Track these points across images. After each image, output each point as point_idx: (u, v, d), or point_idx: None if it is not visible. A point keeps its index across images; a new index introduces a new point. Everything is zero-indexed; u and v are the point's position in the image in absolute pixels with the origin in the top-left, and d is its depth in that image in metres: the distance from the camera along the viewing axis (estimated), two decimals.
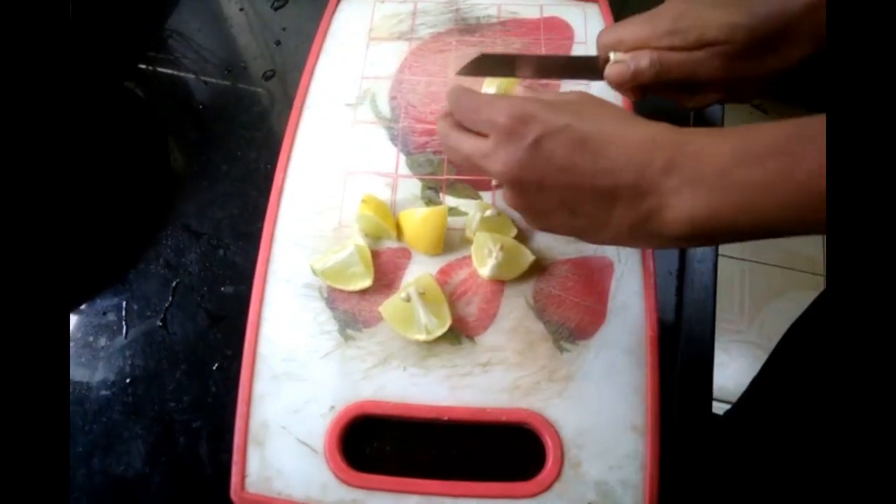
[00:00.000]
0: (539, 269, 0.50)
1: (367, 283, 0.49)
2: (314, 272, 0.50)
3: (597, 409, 0.46)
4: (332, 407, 0.46)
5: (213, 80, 0.65)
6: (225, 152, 0.59)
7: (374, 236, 0.52)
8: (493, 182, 0.54)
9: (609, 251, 0.51)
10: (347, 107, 0.59)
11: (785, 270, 1.47)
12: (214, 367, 0.49)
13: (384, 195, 0.54)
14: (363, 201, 0.51)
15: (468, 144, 0.40)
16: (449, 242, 0.52)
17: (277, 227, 0.53)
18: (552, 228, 0.41)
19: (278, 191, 0.55)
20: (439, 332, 0.46)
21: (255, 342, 0.48)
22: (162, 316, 0.51)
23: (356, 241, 0.50)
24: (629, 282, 0.50)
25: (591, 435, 0.45)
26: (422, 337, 0.46)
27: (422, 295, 0.46)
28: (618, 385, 0.46)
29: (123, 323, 0.51)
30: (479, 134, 0.39)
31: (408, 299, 0.46)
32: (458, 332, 0.48)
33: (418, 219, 0.50)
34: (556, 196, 0.37)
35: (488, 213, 0.51)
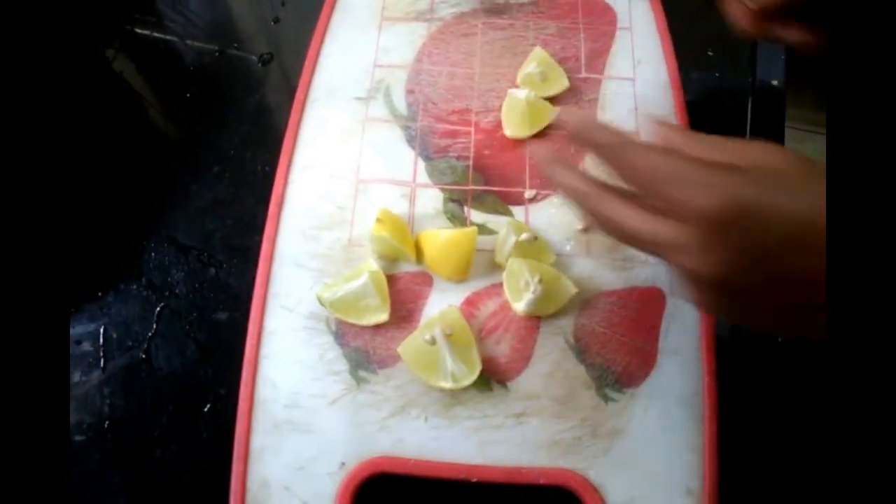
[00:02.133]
0: (580, 301, 0.44)
1: (382, 317, 0.42)
2: (321, 303, 0.43)
3: (647, 471, 0.40)
4: (343, 464, 0.39)
5: (203, 63, 0.56)
6: (216, 151, 0.52)
7: (389, 259, 0.45)
8: (527, 194, 0.47)
9: (661, 280, 0.45)
10: (358, 101, 0.51)
11: None
12: (206, 409, 0.43)
13: (400, 208, 0.47)
14: (378, 220, 0.43)
15: (648, 226, 0.30)
16: (475, 266, 0.45)
17: (278, 244, 0.46)
18: (759, 323, 0.33)
19: (279, 200, 0.47)
20: (467, 382, 0.40)
21: (253, 384, 0.42)
22: (145, 346, 0.45)
23: (370, 265, 0.43)
24: (683, 318, 0.44)
25: (642, 500, 0.39)
26: (447, 385, 0.40)
27: (448, 337, 0.40)
28: (671, 442, 0.40)
29: (101, 354, 0.44)
30: (652, 206, 0.30)
31: (433, 342, 0.39)
32: (488, 377, 0.42)
33: (442, 241, 0.43)
34: (779, 298, 0.29)
35: (524, 236, 0.44)
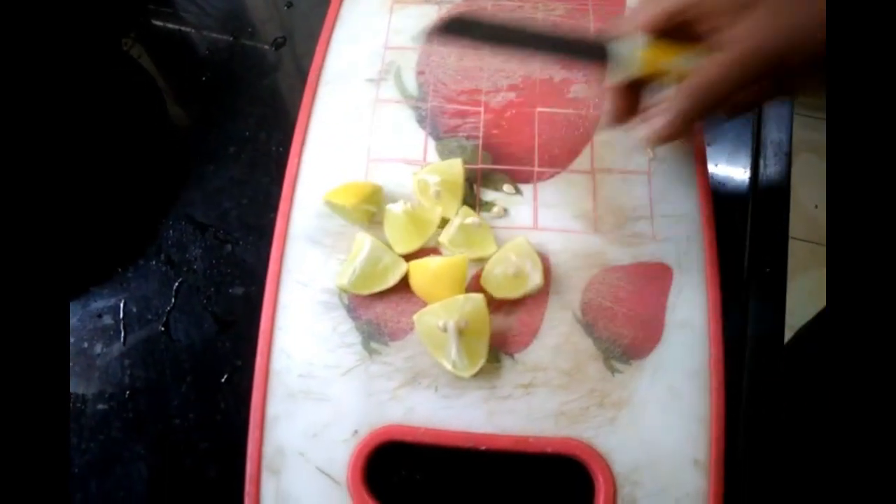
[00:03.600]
0: (588, 277, 0.45)
1: (403, 268, 0.43)
2: (344, 290, 0.44)
3: (654, 440, 0.40)
4: (356, 431, 0.41)
5: (218, 48, 0.58)
6: (232, 132, 0.53)
7: (365, 220, 0.46)
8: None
9: (668, 257, 0.45)
10: (369, 83, 0.52)
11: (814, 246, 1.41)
12: (223, 380, 0.44)
13: (410, 186, 0.48)
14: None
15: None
16: None
17: (292, 221, 0.47)
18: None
19: (292, 179, 0.48)
20: (465, 375, 0.41)
21: (269, 355, 0.43)
22: (164, 320, 0.46)
23: (363, 236, 0.44)
24: (690, 293, 0.44)
25: (648, 470, 0.40)
26: (448, 367, 0.41)
27: (462, 330, 0.40)
28: (677, 412, 0.41)
29: (121, 327, 0.46)
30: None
31: (444, 330, 0.40)
32: (497, 349, 0.43)
33: (433, 270, 0.43)
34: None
35: (469, 220, 0.44)
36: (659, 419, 0.41)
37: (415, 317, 0.42)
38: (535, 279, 0.43)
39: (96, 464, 0.42)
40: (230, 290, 0.47)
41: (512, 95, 0.51)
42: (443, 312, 0.41)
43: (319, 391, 0.42)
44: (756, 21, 0.33)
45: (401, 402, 0.41)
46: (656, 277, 0.45)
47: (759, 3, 0.33)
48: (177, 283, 0.47)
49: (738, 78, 0.35)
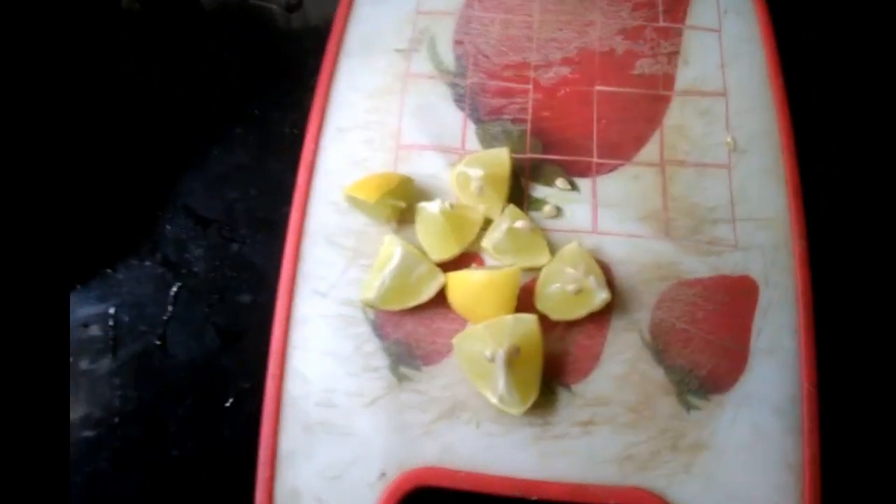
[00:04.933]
0: (657, 293, 0.38)
1: (440, 280, 0.36)
2: (370, 305, 0.37)
3: (736, 492, 0.34)
4: (384, 474, 0.34)
5: (224, 12, 0.50)
6: (239, 110, 0.46)
7: (393, 217, 0.40)
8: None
9: (753, 269, 0.38)
10: (398, 53, 0.45)
11: None
12: (228, 404, 0.38)
13: (445, 178, 0.41)
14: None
15: None
16: None
17: (308, 218, 0.40)
18: None
19: (308, 166, 0.41)
20: (514, 412, 0.34)
21: (281, 378, 0.37)
22: (160, 332, 0.40)
23: (392, 240, 0.37)
24: (780, 313, 0.37)
25: None
26: (493, 402, 0.34)
27: (512, 362, 0.34)
28: (764, 458, 0.34)
29: (110, 340, 0.40)
30: None
31: (491, 360, 0.34)
32: (550, 379, 0.36)
33: (475, 285, 0.36)
34: None
35: (519, 224, 0.37)
36: (742, 466, 0.34)
37: (454, 340, 0.35)
38: (601, 296, 0.36)
39: (80, 501, 0.36)
40: (237, 298, 0.40)
41: (566, 71, 0.44)
42: (488, 336, 0.34)
43: (341, 424, 0.35)
44: None
45: (436, 440, 0.35)
46: (739, 293, 0.38)
47: None
48: (175, 289, 0.41)
49: None
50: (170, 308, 0.40)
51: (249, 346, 0.39)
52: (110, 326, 0.40)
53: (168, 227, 0.43)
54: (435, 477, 0.34)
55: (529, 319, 0.35)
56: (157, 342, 0.40)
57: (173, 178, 0.44)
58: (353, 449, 0.35)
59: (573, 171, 0.41)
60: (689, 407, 0.35)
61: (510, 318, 0.35)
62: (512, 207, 0.39)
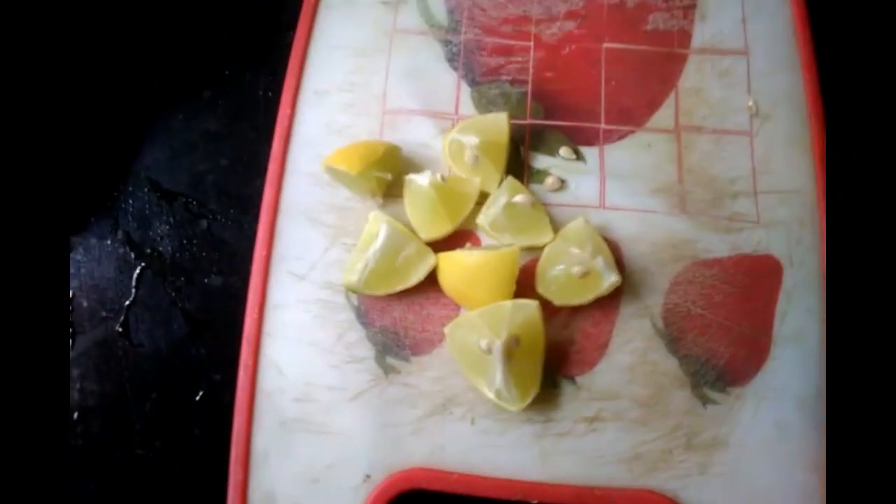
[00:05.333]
0: (671, 274, 0.34)
1: (431, 261, 0.33)
2: (354, 291, 0.34)
3: (756, 494, 0.31)
4: (368, 476, 0.31)
5: None
6: (207, 71, 0.41)
7: (378, 191, 0.36)
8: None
9: (777, 247, 0.35)
10: (384, 6, 0.40)
11: None
12: (198, 398, 0.35)
13: (437, 147, 0.37)
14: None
15: None
16: None
17: (284, 191, 0.36)
18: None
19: (284, 134, 0.37)
20: (513, 409, 0.31)
21: (255, 370, 0.33)
22: (122, 318, 0.36)
23: (377, 216, 0.34)
24: (805, 296, 0.34)
25: None
26: (490, 396, 0.31)
27: (512, 352, 0.30)
28: (786, 456, 0.31)
29: (68, 326, 0.36)
30: None
31: (488, 352, 0.30)
32: (553, 371, 0.33)
33: (470, 266, 0.32)
34: None
35: (519, 198, 0.34)
36: (763, 465, 0.31)
37: (446, 328, 0.32)
38: (610, 279, 0.32)
39: None
40: (206, 281, 0.37)
41: (571, 26, 0.39)
42: (483, 325, 0.31)
43: (321, 421, 0.32)
44: None
45: (426, 438, 0.32)
46: (761, 275, 0.34)
47: None
48: (138, 270, 0.37)
49: None
50: (133, 291, 0.37)
51: (221, 334, 0.35)
52: (68, 311, 0.36)
53: (130, 202, 0.38)
54: (425, 479, 0.31)
55: (530, 306, 0.31)
56: (119, 329, 0.36)
57: (136, 148, 0.39)
58: (335, 449, 0.32)
59: (579, 139, 0.37)
60: (705, 401, 0.32)
61: (508, 304, 0.31)
62: (510, 180, 0.35)
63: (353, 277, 0.32)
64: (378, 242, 0.33)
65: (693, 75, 0.38)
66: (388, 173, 0.35)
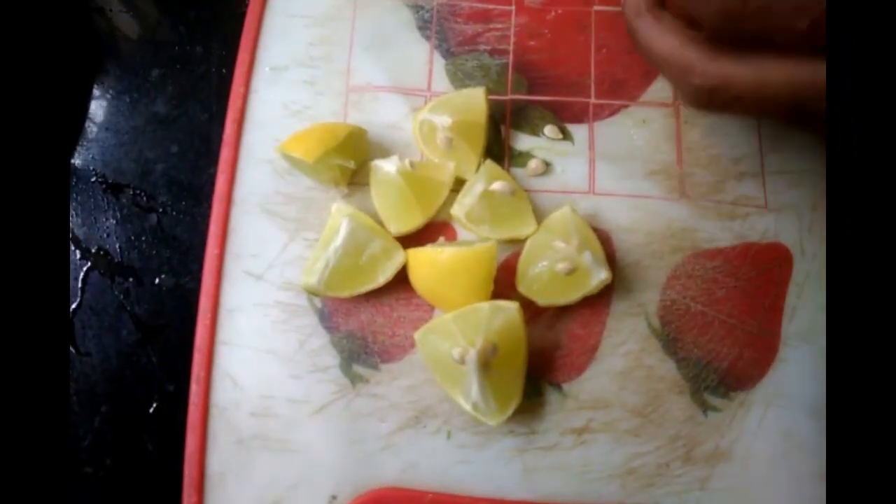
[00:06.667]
0: (668, 267, 0.31)
1: (400, 258, 0.29)
2: (313, 293, 0.30)
3: None
4: (335, 497, 0.28)
5: None
6: (155, 46, 0.37)
7: (339, 179, 0.32)
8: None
9: (786, 235, 0.31)
10: None
11: None
12: (151, 411, 0.32)
13: (408, 128, 0.33)
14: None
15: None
16: None
17: (238, 180, 0.33)
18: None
19: (238, 117, 0.33)
20: (491, 423, 0.28)
21: (208, 383, 0.30)
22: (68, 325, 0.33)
23: (339, 209, 0.30)
24: (818, 290, 0.30)
25: None
26: (467, 408, 0.28)
27: (488, 363, 0.27)
28: (797, 468, 0.29)
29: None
30: None
31: (461, 361, 0.27)
32: (537, 377, 0.29)
33: (443, 264, 0.28)
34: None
35: (497, 185, 0.30)
36: (771, 479, 0.28)
37: (416, 334, 0.28)
38: (600, 276, 0.29)
39: None
40: (157, 282, 0.33)
41: None
42: (457, 331, 0.27)
43: (281, 438, 0.29)
44: None
45: (398, 455, 0.29)
46: (769, 266, 0.31)
47: None
48: (83, 271, 0.34)
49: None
50: (78, 295, 0.33)
51: (173, 341, 0.32)
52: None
53: (73, 194, 0.35)
54: (396, 500, 0.28)
55: (510, 308, 0.28)
56: None
57: (75, 133, 0.36)
58: (297, 468, 0.29)
59: (565, 116, 0.33)
60: (705, 408, 0.29)
61: (485, 306, 0.28)
62: (489, 164, 0.31)
63: (312, 278, 0.29)
64: (339, 240, 0.29)
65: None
66: (350, 160, 0.31)
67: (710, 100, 0.25)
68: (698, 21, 0.24)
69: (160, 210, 0.34)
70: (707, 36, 0.24)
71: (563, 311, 0.30)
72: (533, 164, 0.32)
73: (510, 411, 0.28)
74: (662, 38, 0.26)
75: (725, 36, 0.24)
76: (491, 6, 0.35)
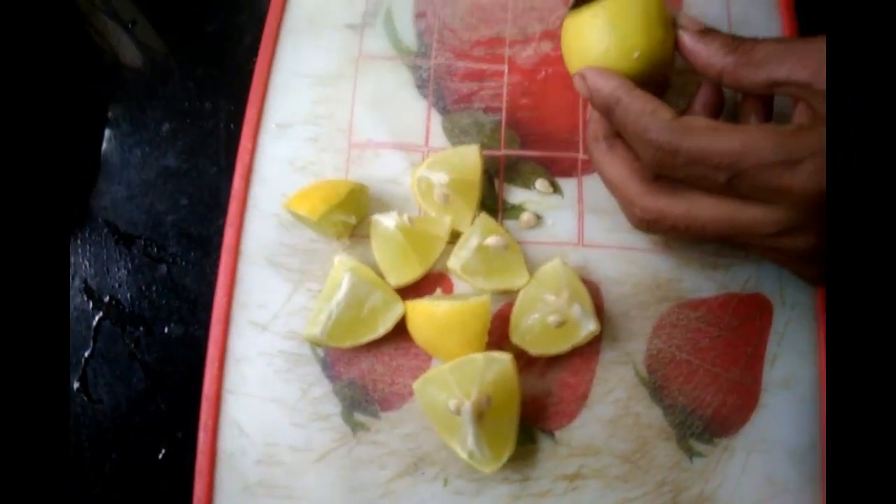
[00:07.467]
0: (654, 317, 0.32)
1: (399, 310, 0.31)
2: (316, 343, 0.32)
3: None
4: None
5: None
6: (166, 102, 0.39)
7: (344, 233, 0.34)
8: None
9: (767, 285, 0.33)
10: (349, 30, 0.38)
11: None
12: (160, 457, 0.33)
13: (407, 182, 0.35)
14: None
15: (742, 215, 0.26)
16: None
17: (245, 233, 0.34)
18: None
19: (245, 171, 0.35)
20: (486, 470, 0.29)
21: (215, 430, 0.31)
22: (80, 373, 0.34)
23: (342, 262, 0.32)
24: (797, 338, 0.32)
25: None
26: (463, 456, 0.29)
27: (483, 413, 0.28)
28: None
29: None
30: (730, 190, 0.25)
31: (456, 412, 0.28)
32: (530, 425, 0.31)
33: (440, 317, 0.30)
34: None
35: (491, 240, 0.32)
36: None
37: (415, 384, 0.30)
38: (589, 328, 0.30)
39: None
40: (166, 330, 0.35)
41: (548, 47, 0.37)
42: (453, 382, 0.29)
43: (285, 484, 0.30)
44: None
45: (396, 501, 0.30)
46: (751, 316, 0.32)
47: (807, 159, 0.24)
48: (96, 320, 0.35)
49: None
50: (91, 343, 0.35)
51: (182, 388, 0.34)
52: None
53: (87, 246, 0.37)
54: None
55: (503, 360, 0.29)
56: (77, 385, 0.34)
57: (89, 187, 0.37)
58: None
59: (555, 171, 0.35)
60: (691, 454, 0.30)
61: (480, 358, 0.29)
62: (484, 217, 0.33)
63: (315, 329, 0.31)
64: (341, 293, 0.31)
65: (673, 98, 0.36)
66: (352, 216, 0.33)
67: (649, 228, 0.28)
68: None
69: (170, 261, 0.36)
70: (649, 170, 0.27)
71: (555, 360, 0.31)
72: (525, 216, 0.34)
73: (504, 459, 0.29)
74: (612, 166, 0.29)
75: (663, 174, 0.27)
76: (485, 66, 0.37)
